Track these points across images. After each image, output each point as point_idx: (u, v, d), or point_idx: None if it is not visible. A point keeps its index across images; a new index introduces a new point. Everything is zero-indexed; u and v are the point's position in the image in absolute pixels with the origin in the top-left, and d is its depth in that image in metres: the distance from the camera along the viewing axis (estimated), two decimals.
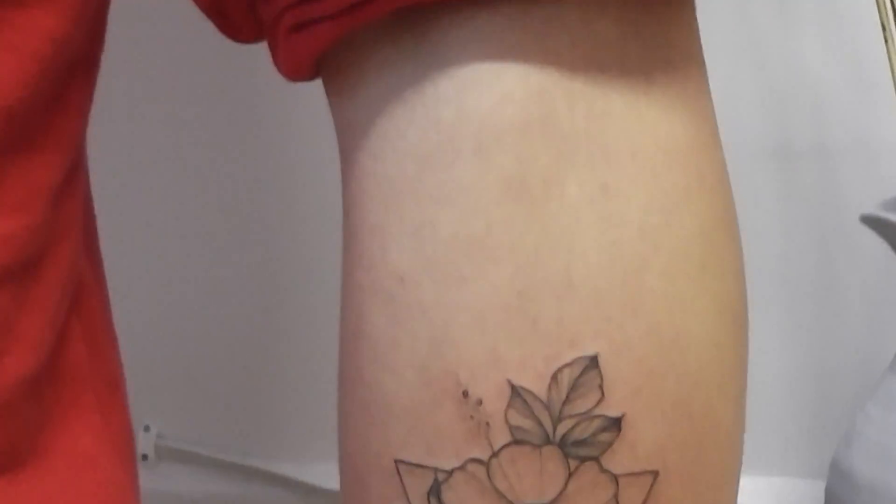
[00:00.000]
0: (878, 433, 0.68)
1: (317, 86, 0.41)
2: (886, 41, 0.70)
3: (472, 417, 0.38)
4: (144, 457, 0.90)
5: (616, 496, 0.38)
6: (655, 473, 0.38)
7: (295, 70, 0.40)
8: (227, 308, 0.90)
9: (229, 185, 0.88)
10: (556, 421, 0.38)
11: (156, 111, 0.89)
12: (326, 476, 0.86)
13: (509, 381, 0.37)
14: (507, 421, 0.37)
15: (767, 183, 0.84)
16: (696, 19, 0.40)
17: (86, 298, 0.46)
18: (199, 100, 0.88)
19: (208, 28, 0.43)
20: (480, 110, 0.37)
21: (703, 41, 0.40)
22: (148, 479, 0.49)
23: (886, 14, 0.70)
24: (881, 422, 0.68)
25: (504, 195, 0.37)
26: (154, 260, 0.89)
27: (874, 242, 0.72)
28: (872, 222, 0.67)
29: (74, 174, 0.44)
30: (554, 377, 0.37)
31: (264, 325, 0.90)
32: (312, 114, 0.51)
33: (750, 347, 0.43)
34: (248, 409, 0.91)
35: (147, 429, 0.91)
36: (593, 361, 0.37)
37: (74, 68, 0.43)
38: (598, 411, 0.38)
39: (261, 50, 0.42)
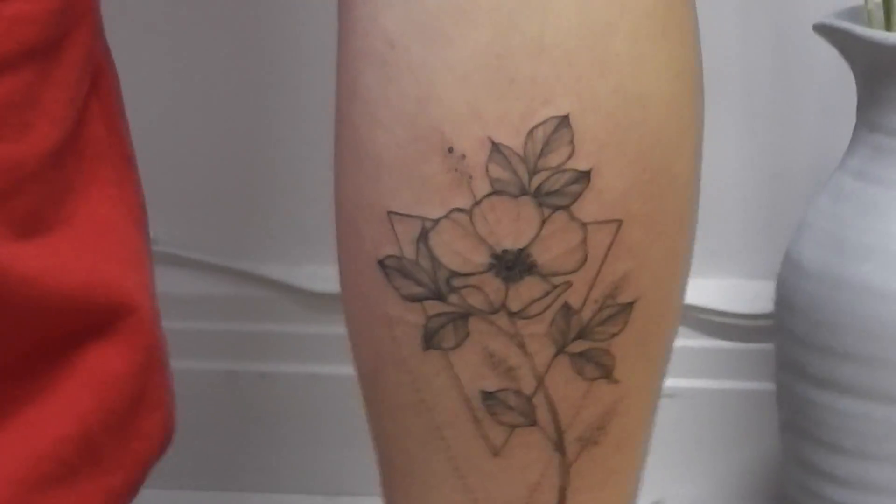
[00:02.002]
0: (827, 223, 0.71)
1: None
2: None
3: (456, 170, 0.41)
4: None
5: (584, 240, 0.42)
6: (619, 222, 0.42)
7: None
8: (218, 115, 0.90)
9: None
10: (532, 173, 0.41)
11: None
12: (314, 278, 0.86)
13: (489, 138, 0.41)
14: (487, 173, 0.41)
15: None
16: None
17: (103, 81, 0.49)
18: None
19: None
20: None
21: None
22: None
23: None
24: (830, 212, 0.71)
25: None
26: (143, 64, 0.88)
27: (829, 50, 0.73)
28: (825, 30, 0.69)
29: None
30: (530, 133, 0.41)
31: (255, 131, 0.90)
32: None
33: (706, 149, 0.46)
34: (240, 214, 0.91)
35: None
36: (565, 120, 0.41)
37: None
38: (569, 165, 0.41)
39: None
